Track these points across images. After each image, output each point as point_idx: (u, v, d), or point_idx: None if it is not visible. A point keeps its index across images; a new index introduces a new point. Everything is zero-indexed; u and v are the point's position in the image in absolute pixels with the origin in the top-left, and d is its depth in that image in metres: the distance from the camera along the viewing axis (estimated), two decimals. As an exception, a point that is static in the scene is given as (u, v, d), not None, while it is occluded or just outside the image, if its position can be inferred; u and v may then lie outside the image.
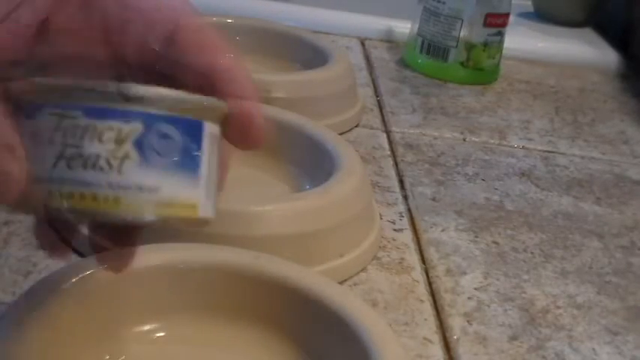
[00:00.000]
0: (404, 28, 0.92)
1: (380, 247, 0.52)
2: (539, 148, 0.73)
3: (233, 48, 0.28)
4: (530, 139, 0.74)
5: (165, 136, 0.24)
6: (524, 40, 0.99)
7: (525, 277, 0.51)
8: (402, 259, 0.51)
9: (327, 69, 0.69)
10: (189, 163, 0.25)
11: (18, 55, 0.28)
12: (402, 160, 0.65)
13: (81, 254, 0.45)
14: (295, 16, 0.93)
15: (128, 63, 0.29)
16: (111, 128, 0.23)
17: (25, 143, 0.24)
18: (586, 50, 1.00)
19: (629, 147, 0.76)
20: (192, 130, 0.25)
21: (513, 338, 0.45)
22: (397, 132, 0.71)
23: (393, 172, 0.63)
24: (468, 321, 0.46)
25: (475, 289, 0.49)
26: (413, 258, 0.51)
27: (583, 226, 0.59)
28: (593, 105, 0.86)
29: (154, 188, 0.24)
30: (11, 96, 0.24)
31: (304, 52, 0.76)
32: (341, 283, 0.47)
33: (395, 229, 0.54)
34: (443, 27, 0.84)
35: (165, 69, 0.28)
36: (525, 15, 1.09)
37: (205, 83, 0.27)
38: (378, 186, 0.60)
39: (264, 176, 0.57)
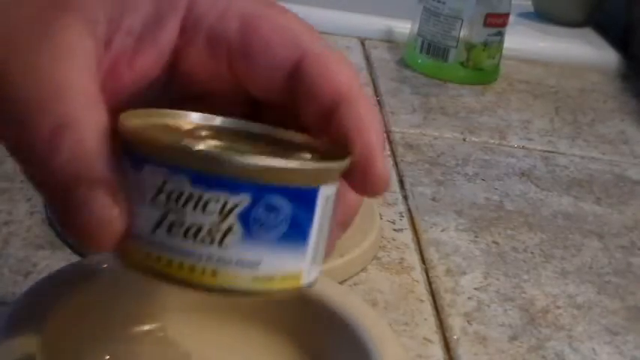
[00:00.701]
0: (404, 28, 0.92)
1: (380, 247, 0.52)
2: (539, 148, 0.73)
3: (359, 75, 0.27)
4: (530, 139, 0.74)
5: (273, 209, 0.22)
6: (524, 40, 0.99)
7: (525, 277, 0.51)
8: (402, 259, 0.51)
9: (327, 69, 0.69)
10: (297, 234, 0.23)
11: (154, 83, 0.26)
12: (402, 160, 0.65)
13: (81, 254, 0.45)
14: (295, 16, 0.93)
15: (254, 99, 0.28)
16: (217, 199, 0.22)
17: (128, 194, 0.23)
18: (586, 50, 1.00)
19: (629, 147, 0.76)
20: (305, 198, 0.23)
21: (513, 338, 0.45)
22: (397, 132, 0.71)
23: (393, 172, 0.63)
24: (468, 321, 0.46)
25: (475, 289, 0.49)
26: (413, 258, 0.51)
27: (583, 226, 0.59)
28: (593, 105, 0.86)
29: (254, 263, 0.23)
30: (122, 135, 0.23)
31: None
32: (341, 283, 0.47)
33: (395, 229, 0.54)
34: (443, 27, 0.84)
35: (291, 103, 0.27)
36: (525, 15, 1.09)
37: (328, 118, 0.25)
38: (378, 186, 0.60)
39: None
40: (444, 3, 0.83)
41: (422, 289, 0.48)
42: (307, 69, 0.26)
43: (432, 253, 0.52)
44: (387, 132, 0.71)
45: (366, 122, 0.25)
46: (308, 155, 0.25)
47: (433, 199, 0.60)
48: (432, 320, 0.46)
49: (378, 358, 0.35)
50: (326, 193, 0.24)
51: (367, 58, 0.90)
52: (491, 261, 0.53)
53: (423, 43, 0.86)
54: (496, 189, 0.63)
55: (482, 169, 0.66)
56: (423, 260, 0.52)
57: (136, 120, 0.23)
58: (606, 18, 1.08)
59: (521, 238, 0.56)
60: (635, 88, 0.93)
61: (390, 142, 0.69)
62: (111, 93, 0.25)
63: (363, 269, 0.49)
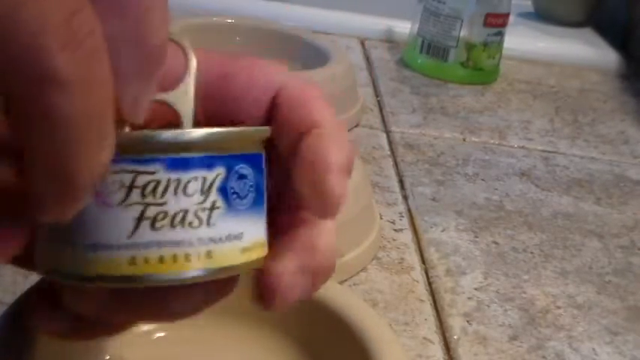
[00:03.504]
0: (404, 28, 0.92)
1: (380, 247, 0.52)
2: (539, 148, 0.73)
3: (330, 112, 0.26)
4: (530, 139, 0.74)
5: (243, 177, 0.23)
6: (524, 40, 0.99)
7: (525, 277, 0.51)
8: (402, 259, 0.51)
9: (327, 69, 0.69)
10: (260, 200, 0.23)
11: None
12: (402, 160, 0.65)
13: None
14: (295, 16, 0.93)
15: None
16: (195, 178, 0.21)
17: (91, 211, 0.20)
18: (586, 50, 1.00)
19: (629, 147, 0.76)
20: (258, 163, 0.24)
21: (513, 338, 0.45)
22: (397, 132, 0.71)
23: (392, 172, 0.63)
24: (467, 321, 0.46)
25: (475, 289, 0.49)
26: (413, 258, 0.51)
27: (583, 226, 0.59)
28: (593, 105, 0.86)
29: (239, 235, 0.22)
30: None
31: (304, 52, 0.76)
32: (341, 283, 0.47)
33: (395, 229, 0.54)
34: (443, 27, 0.84)
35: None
36: (525, 15, 1.09)
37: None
38: (378, 186, 0.60)
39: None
40: (444, 3, 0.83)
41: (422, 289, 0.48)
42: (279, 104, 0.26)
43: (432, 253, 0.52)
44: (387, 132, 0.71)
45: (326, 151, 0.24)
46: None
47: (433, 199, 0.60)
48: (432, 320, 0.46)
49: (378, 358, 0.35)
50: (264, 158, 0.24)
51: (367, 58, 0.90)
52: (491, 261, 0.53)
53: (423, 43, 0.86)
54: (496, 189, 0.63)
55: (482, 169, 0.66)
56: (423, 260, 0.52)
57: None
58: (606, 18, 1.08)
59: (521, 238, 0.56)
60: (635, 88, 0.93)
61: (390, 142, 0.69)
62: None
63: (363, 269, 0.49)
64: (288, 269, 0.24)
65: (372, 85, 0.81)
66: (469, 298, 0.48)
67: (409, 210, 0.58)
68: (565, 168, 0.69)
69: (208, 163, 0.21)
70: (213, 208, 0.22)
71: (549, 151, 0.72)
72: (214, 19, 0.79)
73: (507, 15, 0.86)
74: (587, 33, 1.06)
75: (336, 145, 0.25)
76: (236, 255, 0.22)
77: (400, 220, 0.56)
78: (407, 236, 0.54)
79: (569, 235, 0.58)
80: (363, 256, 0.49)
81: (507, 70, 0.91)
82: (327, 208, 0.24)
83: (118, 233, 0.21)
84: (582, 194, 0.65)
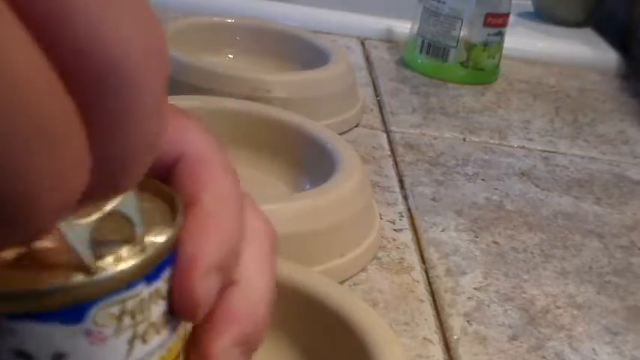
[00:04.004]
0: (404, 28, 0.92)
1: (380, 247, 0.52)
2: (539, 148, 0.73)
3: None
4: (530, 139, 0.74)
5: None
6: (524, 40, 0.99)
7: (525, 277, 0.51)
8: (402, 259, 0.51)
9: (327, 69, 0.69)
10: None
11: None
12: (402, 160, 0.65)
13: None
14: (295, 16, 0.93)
15: None
16: (166, 280, 0.21)
17: (84, 350, 0.20)
18: (586, 50, 1.00)
19: (629, 147, 0.76)
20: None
21: (513, 338, 0.45)
22: (397, 132, 0.71)
23: (393, 172, 0.63)
24: (468, 321, 0.46)
25: (475, 289, 0.49)
26: (413, 258, 0.51)
27: (583, 226, 0.59)
28: (593, 105, 0.86)
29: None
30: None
31: (304, 52, 0.76)
32: (341, 283, 0.47)
33: (395, 229, 0.54)
34: (443, 27, 0.84)
35: None
36: (525, 15, 1.09)
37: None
38: (378, 186, 0.60)
39: (264, 176, 0.57)
40: (444, 3, 0.83)
41: (422, 289, 0.48)
42: (175, 174, 0.23)
43: (432, 253, 0.52)
44: (387, 132, 0.71)
45: (197, 241, 0.21)
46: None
47: (433, 199, 0.60)
48: (432, 320, 0.46)
49: (378, 358, 0.35)
50: None
51: (367, 58, 0.90)
52: (491, 261, 0.53)
53: (423, 43, 0.86)
54: (496, 189, 0.63)
55: (482, 169, 0.66)
56: (423, 260, 0.52)
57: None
58: (606, 18, 1.08)
59: (521, 238, 0.56)
60: (635, 88, 0.93)
61: (390, 142, 0.69)
62: None
63: (363, 269, 0.49)
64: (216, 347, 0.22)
65: (372, 85, 0.81)
66: (469, 298, 0.48)
67: (409, 210, 0.58)
68: (565, 168, 0.69)
69: (171, 260, 0.21)
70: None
71: (549, 151, 0.72)
72: (214, 19, 0.79)
73: (507, 15, 0.86)
74: (587, 33, 1.06)
75: (214, 231, 0.22)
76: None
77: (400, 220, 0.56)
78: (407, 236, 0.54)
79: (569, 235, 0.58)
80: (363, 256, 0.49)
81: (507, 70, 0.91)
82: (186, 308, 0.21)
83: None
84: (582, 194, 0.65)
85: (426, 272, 0.50)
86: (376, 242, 0.51)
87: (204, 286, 0.21)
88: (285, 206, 0.47)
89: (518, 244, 0.55)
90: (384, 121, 0.73)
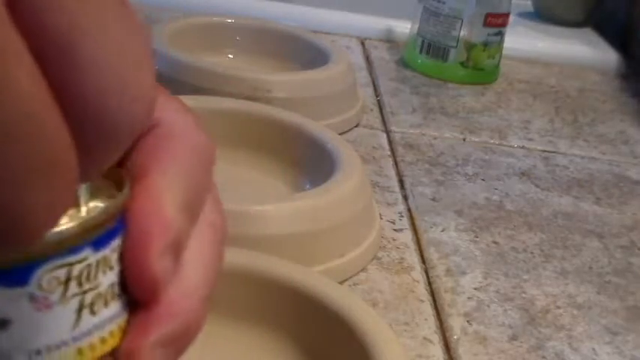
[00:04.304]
0: (404, 28, 0.92)
1: (380, 247, 0.52)
2: (539, 148, 0.73)
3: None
4: (530, 139, 0.74)
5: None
6: (524, 40, 0.99)
7: (525, 277, 0.51)
8: (402, 259, 0.51)
9: (327, 69, 0.69)
10: None
11: None
12: (402, 160, 0.65)
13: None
14: (295, 16, 0.93)
15: None
16: (114, 249, 0.21)
17: (30, 317, 0.19)
18: (586, 50, 1.00)
19: (629, 147, 0.76)
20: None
21: (513, 338, 0.45)
22: (397, 132, 0.71)
23: (393, 172, 0.63)
24: (468, 321, 0.46)
25: (475, 289, 0.49)
26: (413, 258, 0.51)
27: (583, 226, 0.59)
28: (593, 105, 0.86)
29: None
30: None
31: (304, 52, 0.76)
32: (341, 283, 0.47)
33: (395, 229, 0.54)
34: (443, 27, 0.84)
35: None
36: (525, 15, 1.09)
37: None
38: (378, 186, 0.60)
39: (264, 176, 0.57)
40: (444, 3, 0.83)
41: (422, 289, 0.48)
42: (141, 144, 0.22)
43: (432, 253, 0.52)
44: (387, 132, 0.71)
45: (157, 200, 0.21)
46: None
47: (433, 199, 0.60)
48: (432, 320, 0.46)
49: (378, 358, 0.35)
50: None
51: (367, 58, 0.90)
52: (491, 261, 0.53)
53: (423, 43, 0.86)
54: (496, 189, 0.63)
55: (482, 169, 0.66)
56: (423, 260, 0.52)
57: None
58: (606, 18, 1.08)
59: (521, 238, 0.56)
60: (635, 88, 0.93)
61: (390, 142, 0.69)
62: None
63: (363, 269, 0.49)
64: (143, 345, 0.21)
65: (372, 85, 0.81)
66: (469, 298, 0.48)
67: (409, 210, 0.58)
68: (565, 168, 0.69)
69: (121, 228, 0.21)
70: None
71: (549, 151, 0.72)
72: (214, 19, 0.79)
73: (507, 15, 0.86)
74: (587, 33, 1.06)
75: (169, 195, 0.21)
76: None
77: (400, 220, 0.56)
78: (407, 236, 0.54)
79: (569, 235, 0.58)
80: (363, 256, 0.49)
81: (507, 70, 0.91)
82: (143, 287, 0.21)
83: (61, 330, 0.20)
84: (582, 194, 0.65)
85: (426, 272, 0.50)
86: (376, 242, 0.51)
87: (160, 264, 0.20)
88: (285, 206, 0.47)
89: (518, 244, 0.55)
90: (384, 121, 0.73)
